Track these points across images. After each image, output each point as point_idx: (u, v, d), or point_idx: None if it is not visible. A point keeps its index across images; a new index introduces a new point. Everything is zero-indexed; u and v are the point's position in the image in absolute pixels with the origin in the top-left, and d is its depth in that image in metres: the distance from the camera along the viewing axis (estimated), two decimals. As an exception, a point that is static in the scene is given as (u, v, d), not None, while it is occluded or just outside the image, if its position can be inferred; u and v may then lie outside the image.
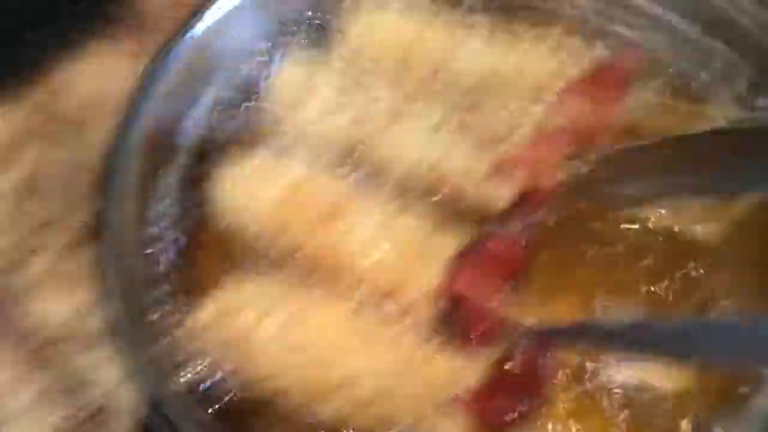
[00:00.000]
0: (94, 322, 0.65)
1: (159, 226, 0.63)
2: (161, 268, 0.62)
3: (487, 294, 0.56)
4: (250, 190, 0.61)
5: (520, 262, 0.58)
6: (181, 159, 0.66)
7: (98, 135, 0.75)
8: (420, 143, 0.62)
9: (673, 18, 0.69)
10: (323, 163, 0.62)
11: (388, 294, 0.56)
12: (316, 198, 0.60)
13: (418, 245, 0.58)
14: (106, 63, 0.80)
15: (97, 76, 0.79)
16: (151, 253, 0.62)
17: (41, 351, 0.65)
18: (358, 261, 0.57)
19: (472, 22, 0.68)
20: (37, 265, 0.69)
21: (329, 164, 0.63)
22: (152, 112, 0.62)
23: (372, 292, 0.56)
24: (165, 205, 0.64)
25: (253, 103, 0.68)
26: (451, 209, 0.61)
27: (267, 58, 0.70)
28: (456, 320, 0.55)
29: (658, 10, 0.70)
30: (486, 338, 0.54)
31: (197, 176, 0.65)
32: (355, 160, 0.63)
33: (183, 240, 0.63)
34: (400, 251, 0.57)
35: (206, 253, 0.62)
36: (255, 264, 0.60)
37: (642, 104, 0.64)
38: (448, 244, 0.58)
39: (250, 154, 0.64)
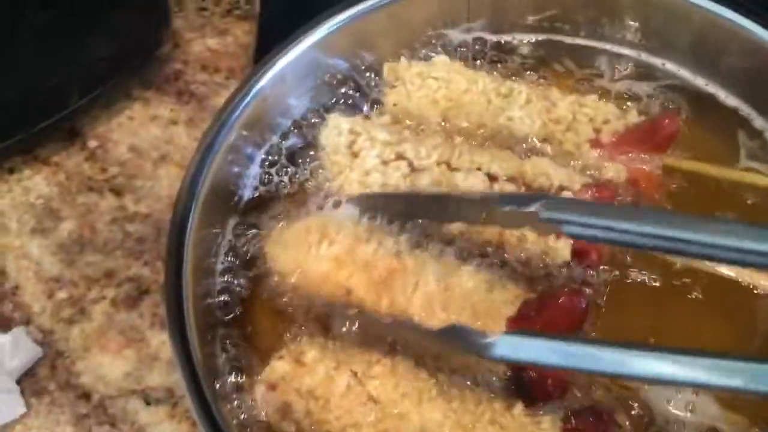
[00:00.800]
0: (155, 378, 0.67)
1: (218, 282, 0.64)
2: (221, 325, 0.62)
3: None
4: (305, 251, 0.61)
5: (581, 318, 0.59)
6: (238, 218, 0.67)
7: (147, 185, 0.78)
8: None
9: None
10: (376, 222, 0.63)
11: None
12: (373, 258, 0.60)
13: (479, 303, 0.58)
14: (145, 123, 0.83)
15: (136, 135, 0.82)
16: (211, 305, 0.62)
17: (102, 407, 0.65)
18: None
19: (509, 89, 0.69)
20: (97, 317, 0.70)
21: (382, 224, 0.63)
22: (212, 172, 0.63)
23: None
24: (225, 262, 0.64)
25: (303, 165, 0.69)
26: (510, 265, 0.62)
27: (314, 120, 0.72)
28: (525, 377, 0.55)
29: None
30: (555, 393, 0.55)
31: (252, 236, 0.66)
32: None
33: (244, 293, 0.63)
34: (461, 310, 0.58)
35: (265, 313, 0.62)
36: (312, 326, 0.60)
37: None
38: (509, 301, 0.59)
39: (304, 214, 0.65)
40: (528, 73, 0.74)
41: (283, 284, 0.62)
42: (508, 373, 0.56)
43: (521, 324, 0.57)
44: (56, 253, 0.74)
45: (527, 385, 0.55)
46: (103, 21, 0.85)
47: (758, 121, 0.69)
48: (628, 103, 0.69)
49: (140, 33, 0.86)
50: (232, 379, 0.59)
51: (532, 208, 0.50)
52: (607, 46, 0.75)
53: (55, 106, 0.80)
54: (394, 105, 0.71)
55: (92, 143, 0.82)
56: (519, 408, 0.54)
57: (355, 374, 0.56)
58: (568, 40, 0.76)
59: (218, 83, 0.86)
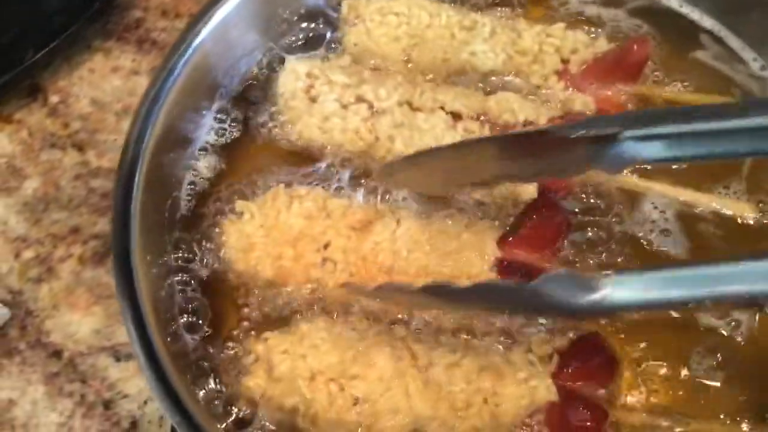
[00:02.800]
0: (124, 334, 0.66)
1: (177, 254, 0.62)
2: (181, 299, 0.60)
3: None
4: (273, 218, 0.59)
5: (561, 228, 0.58)
6: (193, 176, 0.65)
7: (110, 139, 0.76)
8: (440, 135, 0.60)
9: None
10: (344, 179, 0.62)
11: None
12: (348, 207, 0.59)
13: (462, 236, 0.57)
14: (106, 75, 0.80)
15: (98, 88, 0.80)
16: (171, 284, 0.60)
17: (72, 365, 0.65)
18: (400, 266, 0.55)
19: (473, 21, 0.66)
20: (64, 275, 0.69)
21: (350, 179, 0.61)
22: (161, 126, 0.61)
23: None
24: (181, 231, 0.62)
25: (260, 111, 0.66)
26: (481, 206, 0.60)
27: (266, 64, 0.69)
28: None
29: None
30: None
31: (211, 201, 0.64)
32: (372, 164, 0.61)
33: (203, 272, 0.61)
34: (448, 243, 0.56)
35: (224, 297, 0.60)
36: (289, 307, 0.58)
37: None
38: (490, 229, 0.58)
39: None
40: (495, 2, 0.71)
41: (243, 272, 0.59)
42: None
43: (512, 244, 0.56)
44: (21, 211, 0.73)
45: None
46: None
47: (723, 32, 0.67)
48: (598, 30, 0.65)
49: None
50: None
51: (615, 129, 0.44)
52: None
53: (12, 61, 0.77)
54: (355, 45, 0.68)
55: (54, 98, 0.80)
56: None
57: (332, 380, 0.53)
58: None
59: (180, 29, 0.82)
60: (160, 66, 0.61)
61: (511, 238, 0.56)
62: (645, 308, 0.49)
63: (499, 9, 0.71)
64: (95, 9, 0.81)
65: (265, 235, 0.59)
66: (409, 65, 0.67)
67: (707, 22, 0.68)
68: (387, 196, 0.60)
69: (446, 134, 0.59)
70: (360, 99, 0.62)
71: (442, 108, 0.61)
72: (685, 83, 0.64)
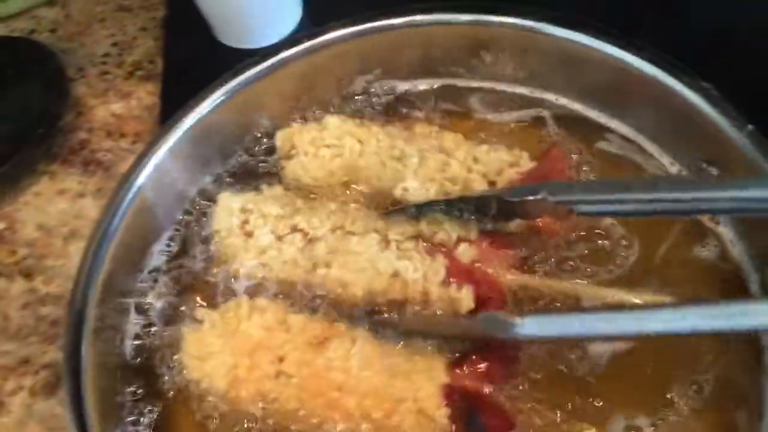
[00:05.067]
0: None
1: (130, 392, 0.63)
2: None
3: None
4: (232, 330, 0.61)
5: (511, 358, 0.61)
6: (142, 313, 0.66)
7: (57, 264, 0.78)
8: (374, 257, 0.63)
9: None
10: (288, 302, 0.64)
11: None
12: (304, 329, 0.61)
13: (408, 363, 0.59)
14: (52, 198, 0.82)
15: (44, 212, 0.81)
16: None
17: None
18: (351, 385, 0.58)
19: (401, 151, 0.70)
20: (15, 409, 0.69)
21: (295, 301, 0.64)
22: (108, 265, 0.63)
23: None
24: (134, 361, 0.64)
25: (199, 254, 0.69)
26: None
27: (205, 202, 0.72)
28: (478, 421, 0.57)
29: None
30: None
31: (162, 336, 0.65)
32: (315, 290, 0.64)
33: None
34: (391, 371, 0.58)
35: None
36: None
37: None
38: (437, 360, 0.60)
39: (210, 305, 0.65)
40: (420, 117, 0.76)
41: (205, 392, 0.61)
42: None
43: (457, 370, 0.59)
44: (-31, 344, 0.73)
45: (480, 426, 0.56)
46: (-2, 98, 0.84)
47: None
48: (521, 151, 0.70)
49: (39, 105, 0.85)
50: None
51: (540, 196, 0.57)
52: (490, 84, 0.78)
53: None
54: (294, 180, 0.71)
55: (0, 225, 0.81)
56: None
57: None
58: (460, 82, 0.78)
59: (125, 149, 0.86)
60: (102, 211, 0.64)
61: (460, 363, 0.58)
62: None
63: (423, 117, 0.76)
64: (40, 133, 0.84)
65: (224, 344, 0.60)
66: (348, 193, 0.71)
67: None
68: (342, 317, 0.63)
69: (381, 256, 0.63)
70: (294, 229, 0.65)
71: (376, 231, 0.64)
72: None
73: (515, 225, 0.65)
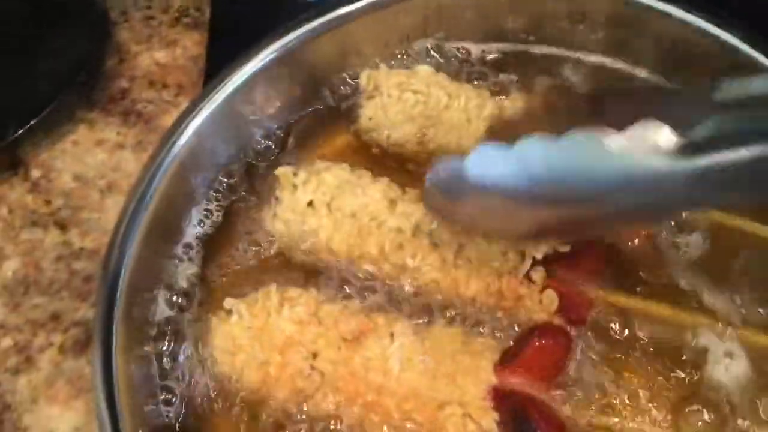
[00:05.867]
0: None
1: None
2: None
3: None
4: (263, 320, 0.57)
5: (563, 355, 0.57)
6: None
7: (93, 217, 0.75)
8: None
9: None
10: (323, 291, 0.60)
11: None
12: (341, 316, 0.57)
13: (458, 354, 0.56)
14: (90, 148, 0.79)
15: (81, 162, 0.78)
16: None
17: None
18: (390, 386, 0.54)
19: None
20: (44, 366, 0.67)
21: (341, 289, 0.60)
22: (144, 228, 0.60)
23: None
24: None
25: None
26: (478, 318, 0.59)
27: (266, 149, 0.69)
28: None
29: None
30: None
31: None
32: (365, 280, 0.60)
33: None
34: (441, 362, 0.55)
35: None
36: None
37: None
38: (488, 349, 0.56)
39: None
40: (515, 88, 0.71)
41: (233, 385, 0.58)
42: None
43: (506, 372, 0.55)
44: (0, 295, 0.71)
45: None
46: (39, 40, 0.80)
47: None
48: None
49: (80, 49, 0.81)
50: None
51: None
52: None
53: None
54: (370, 119, 0.67)
55: (35, 173, 0.78)
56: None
57: None
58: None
59: (167, 101, 0.82)
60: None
61: (509, 363, 0.54)
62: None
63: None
64: (80, 79, 0.80)
65: (253, 337, 0.57)
66: (420, 147, 0.67)
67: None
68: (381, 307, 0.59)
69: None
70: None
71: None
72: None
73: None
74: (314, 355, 0.56)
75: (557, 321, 0.59)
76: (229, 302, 0.58)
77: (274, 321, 0.57)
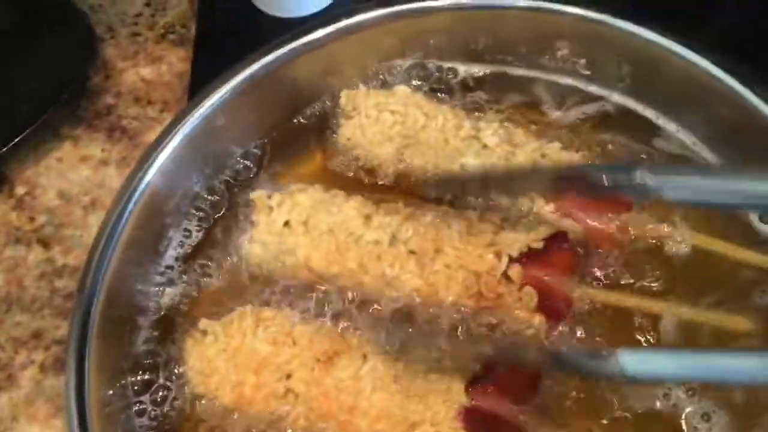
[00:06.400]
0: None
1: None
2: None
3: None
4: (239, 341, 0.58)
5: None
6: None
7: (76, 234, 0.75)
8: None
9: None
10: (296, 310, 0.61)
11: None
12: (315, 336, 0.58)
13: (430, 375, 0.56)
14: (75, 165, 0.79)
15: (65, 179, 0.78)
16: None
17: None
18: (362, 407, 0.54)
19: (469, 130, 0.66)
20: (25, 383, 0.68)
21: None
22: (120, 252, 0.60)
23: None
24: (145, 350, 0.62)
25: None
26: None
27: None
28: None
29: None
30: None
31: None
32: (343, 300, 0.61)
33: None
34: (412, 383, 0.55)
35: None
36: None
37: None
38: (461, 369, 0.56)
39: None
40: (490, 107, 0.72)
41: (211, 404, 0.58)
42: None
43: (478, 392, 0.55)
44: (-18, 312, 0.71)
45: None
46: (25, 56, 0.81)
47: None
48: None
49: (66, 65, 0.82)
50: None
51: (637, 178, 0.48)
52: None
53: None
54: (348, 139, 0.68)
55: (20, 189, 0.78)
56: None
57: None
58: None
59: (152, 117, 0.82)
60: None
61: (482, 384, 0.55)
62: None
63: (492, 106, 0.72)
64: (65, 96, 0.80)
65: (228, 359, 0.57)
66: (401, 166, 0.67)
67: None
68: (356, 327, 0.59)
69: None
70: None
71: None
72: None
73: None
74: (288, 376, 0.56)
75: (538, 319, 0.59)
76: (204, 323, 0.59)
77: (249, 342, 0.57)
